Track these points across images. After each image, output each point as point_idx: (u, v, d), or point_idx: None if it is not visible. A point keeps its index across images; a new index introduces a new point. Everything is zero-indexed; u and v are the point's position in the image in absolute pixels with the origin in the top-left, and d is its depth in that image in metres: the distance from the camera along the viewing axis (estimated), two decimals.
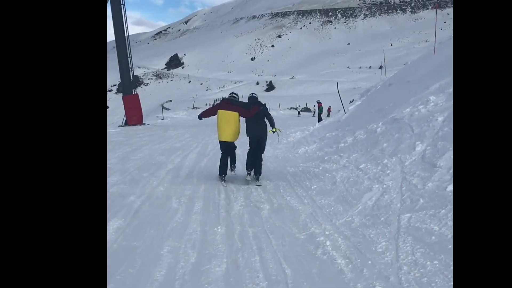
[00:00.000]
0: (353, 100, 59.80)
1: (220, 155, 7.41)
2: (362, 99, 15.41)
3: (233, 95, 7.53)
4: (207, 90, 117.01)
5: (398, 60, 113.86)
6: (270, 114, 7.34)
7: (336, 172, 6.74)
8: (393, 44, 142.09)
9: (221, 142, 7.31)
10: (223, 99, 7.56)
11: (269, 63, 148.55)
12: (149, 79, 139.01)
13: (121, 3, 19.62)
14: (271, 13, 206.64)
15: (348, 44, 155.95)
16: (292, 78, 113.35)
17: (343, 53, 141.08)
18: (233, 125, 7.07)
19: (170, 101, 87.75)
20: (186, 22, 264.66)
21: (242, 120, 7.23)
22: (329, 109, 38.73)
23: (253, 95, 7.58)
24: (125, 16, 19.86)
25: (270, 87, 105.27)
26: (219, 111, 7.16)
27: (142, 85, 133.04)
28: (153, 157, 9.77)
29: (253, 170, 7.25)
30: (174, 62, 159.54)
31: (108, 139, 13.46)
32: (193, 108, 38.81)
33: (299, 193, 6.19)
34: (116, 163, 8.51)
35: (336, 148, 8.60)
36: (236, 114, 7.07)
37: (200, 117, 7.63)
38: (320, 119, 23.26)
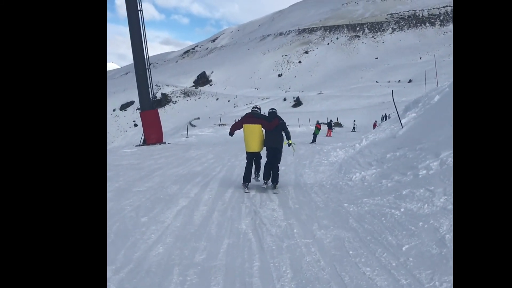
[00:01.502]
0: (386, 114, 56.58)
1: (245, 164, 7.85)
2: (416, 111, 12.82)
3: (255, 109, 8.04)
4: (234, 107, 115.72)
5: (428, 73, 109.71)
6: (287, 128, 7.86)
7: (437, 220, 4.25)
8: (422, 57, 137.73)
9: (248, 153, 7.81)
10: (247, 114, 8.00)
11: (296, 79, 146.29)
12: (177, 97, 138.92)
13: (138, 9, 17.56)
14: (298, 29, 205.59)
15: (376, 58, 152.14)
16: (319, 93, 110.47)
17: (371, 67, 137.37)
18: (257, 137, 7.61)
19: (198, 118, 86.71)
20: (213, 40, 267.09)
21: None
22: (375, 124, 36.23)
23: (273, 110, 8.14)
24: (143, 24, 17.55)
25: (298, 102, 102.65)
26: (244, 126, 7.65)
27: (170, 103, 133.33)
28: (164, 187, 7.49)
29: (270, 180, 7.66)
30: (202, 79, 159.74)
31: (117, 162, 11.35)
32: (219, 125, 36.69)
33: (382, 259, 3.74)
34: (110, 199, 6.24)
35: (414, 176, 6.08)
36: (259, 126, 7.58)
37: (231, 134, 8.10)
38: (313, 141, 22.46)
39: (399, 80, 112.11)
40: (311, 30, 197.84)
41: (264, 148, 7.81)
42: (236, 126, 7.87)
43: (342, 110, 78.08)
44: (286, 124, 7.98)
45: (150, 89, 18.26)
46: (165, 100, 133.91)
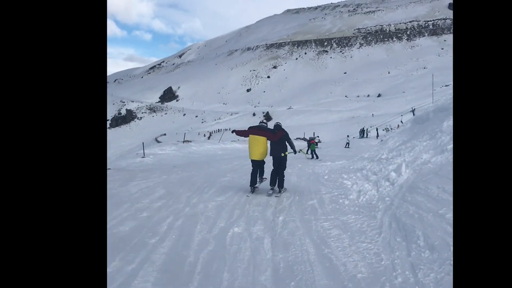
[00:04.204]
0: (364, 128, 53.27)
1: (251, 170, 8.56)
2: None
3: (262, 123, 8.72)
4: (202, 122, 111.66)
5: (397, 87, 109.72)
6: (290, 139, 8.48)
7: None
8: (391, 72, 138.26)
9: (252, 161, 8.49)
10: (254, 126, 8.55)
11: (265, 94, 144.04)
12: (142, 112, 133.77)
13: None
14: (266, 44, 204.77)
15: (345, 73, 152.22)
16: (289, 108, 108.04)
17: (340, 82, 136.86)
18: (261, 147, 8.28)
19: (165, 134, 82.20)
20: (180, 56, 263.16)
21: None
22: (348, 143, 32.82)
23: (278, 123, 8.72)
24: None
25: (267, 118, 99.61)
26: (251, 136, 8.33)
27: (135, 119, 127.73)
28: None
29: (276, 185, 8.25)
30: (168, 95, 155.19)
31: None
32: (183, 141, 32.15)
33: None
34: None
35: None
36: (265, 138, 8.24)
37: (237, 134, 8.81)
38: (315, 157, 21.93)
39: (368, 95, 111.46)
40: (279, 45, 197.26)
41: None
42: (243, 133, 8.61)
43: (312, 125, 75.73)
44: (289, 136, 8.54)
45: None
46: (130, 116, 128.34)
